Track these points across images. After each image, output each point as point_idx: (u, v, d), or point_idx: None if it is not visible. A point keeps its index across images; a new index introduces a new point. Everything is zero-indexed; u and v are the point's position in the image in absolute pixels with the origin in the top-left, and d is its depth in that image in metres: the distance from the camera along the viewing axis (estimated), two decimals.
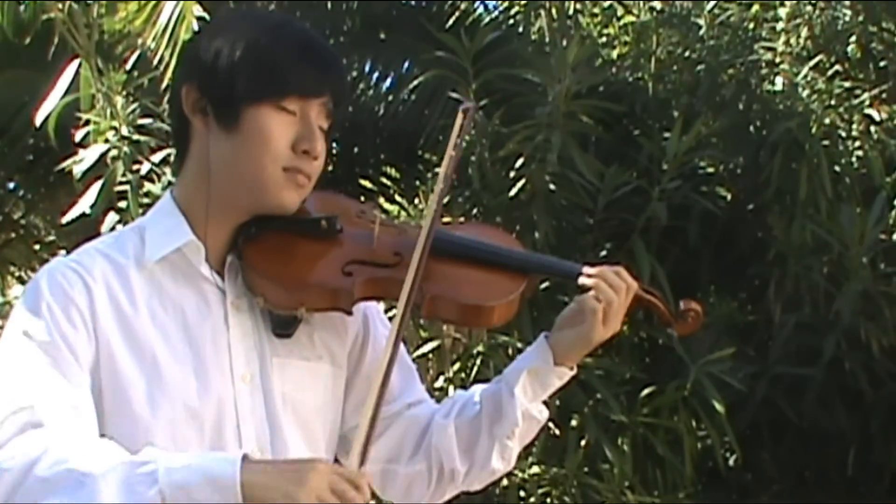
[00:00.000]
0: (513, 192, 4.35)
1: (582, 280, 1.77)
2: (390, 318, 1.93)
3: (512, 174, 4.38)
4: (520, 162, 4.34)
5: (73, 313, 1.60)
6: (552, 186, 4.31)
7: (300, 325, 1.72)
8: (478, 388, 1.85)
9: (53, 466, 1.46)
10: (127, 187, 3.98)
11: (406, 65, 5.45)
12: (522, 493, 4.32)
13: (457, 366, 4.07)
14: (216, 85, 1.65)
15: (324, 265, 1.72)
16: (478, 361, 4.15)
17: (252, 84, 1.64)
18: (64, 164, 4.16)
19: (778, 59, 4.89)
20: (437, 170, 4.54)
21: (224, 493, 1.45)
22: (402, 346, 1.83)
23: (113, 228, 4.00)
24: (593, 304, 1.73)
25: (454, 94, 4.38)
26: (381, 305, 1.90)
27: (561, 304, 3.98)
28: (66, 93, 4.11)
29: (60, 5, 4.13)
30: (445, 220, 3.93)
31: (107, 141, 4.02)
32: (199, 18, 4.12)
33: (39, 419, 1.52)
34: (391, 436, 1.80)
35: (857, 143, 4.77)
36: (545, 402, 1.82)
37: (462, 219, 4.21)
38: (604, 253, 4.45)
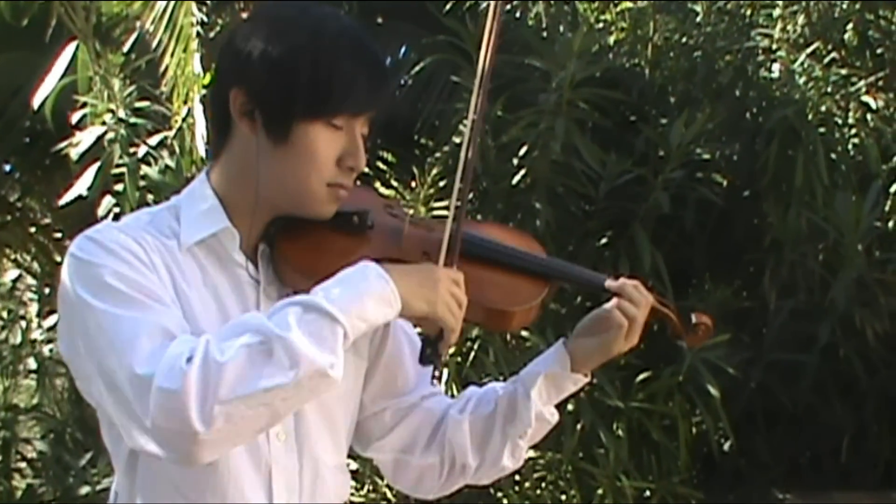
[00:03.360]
0: (515, 179, 4.34)
1: (609, 283, 1.80)
2: None
3: (514, 161, 4.37)
4: (523, 149, 4.33)
5: (143, 257, 1.59)
6: (553, 174, 4.31)
7: None
8: (492, 386, 1.88)
9: (226, 352, 1.46)
10: (124, 170, 3.97)
11: (403, 50, 5.44)
12: (518, 478, 4.33)
13: (453, 349, 4.08)
14: (270, 97, 1.62)
15: (355, 263, 1.68)
16: (475, 346, 4.16)
17: (308, 103, 1.62)
18: (60, 147, 4.15)
19: (775, 46, 4.89)
20: (429, 159, 4.54)
21: (391, 304, 1.57)
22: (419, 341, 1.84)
23: (109, 211, 3.99)
24: (619, 318, 1.77)
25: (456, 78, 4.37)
26: None
27: (558, 293, 4.01)
28: (64, 75, 4.10)
29: None
30: (444, 204, 3.98)
31: (104, 123, 4.01)
32: (198, 0, 4.12)
33: (171, 331, 1.52)
34: (406, 427, 1.83)
35: (854, 131, 4.78)
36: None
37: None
38: (604, 241, 4.45)
